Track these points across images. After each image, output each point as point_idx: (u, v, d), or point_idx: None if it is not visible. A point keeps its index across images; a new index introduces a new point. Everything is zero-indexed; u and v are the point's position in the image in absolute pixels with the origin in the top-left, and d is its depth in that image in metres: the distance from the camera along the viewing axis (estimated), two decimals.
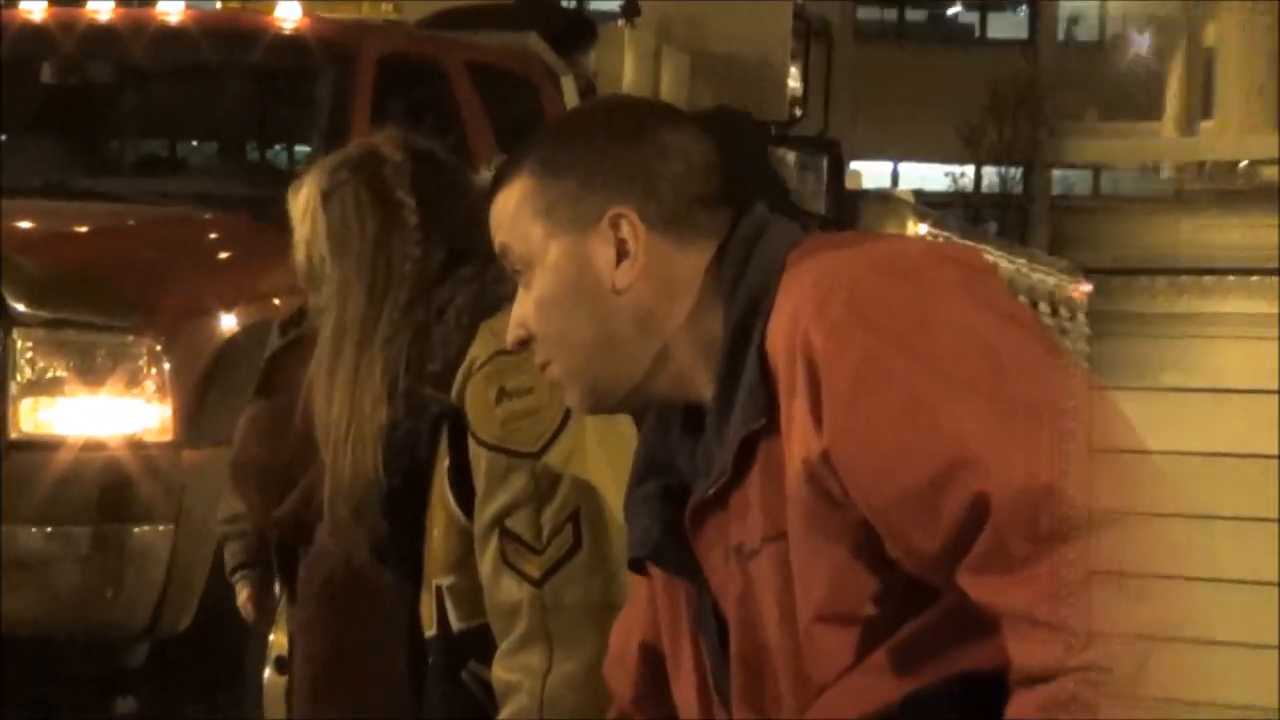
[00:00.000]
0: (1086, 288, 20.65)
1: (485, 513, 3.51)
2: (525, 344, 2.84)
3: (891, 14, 62.18)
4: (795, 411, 2.57)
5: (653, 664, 2.97)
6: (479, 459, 3.53)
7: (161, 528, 7.43)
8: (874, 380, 2.53)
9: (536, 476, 3.45)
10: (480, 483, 3.53)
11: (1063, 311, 19.89)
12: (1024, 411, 2.50)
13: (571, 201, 2.77)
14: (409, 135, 4.01)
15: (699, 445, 2.75)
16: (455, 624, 3.65)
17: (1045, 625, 2.44)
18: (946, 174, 60.33)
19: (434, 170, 3.91)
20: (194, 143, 10.37)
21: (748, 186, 2.86)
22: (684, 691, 2.86)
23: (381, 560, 3.83)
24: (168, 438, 7.45)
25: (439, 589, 3.67)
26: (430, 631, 3.71)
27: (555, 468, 3.41)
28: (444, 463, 3.66)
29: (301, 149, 9.49)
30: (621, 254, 2.74)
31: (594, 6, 14.09)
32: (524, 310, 2.81)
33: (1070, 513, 2.43)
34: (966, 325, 2.57)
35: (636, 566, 2.93)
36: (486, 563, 3.52)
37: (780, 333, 2.60)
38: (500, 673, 3.50)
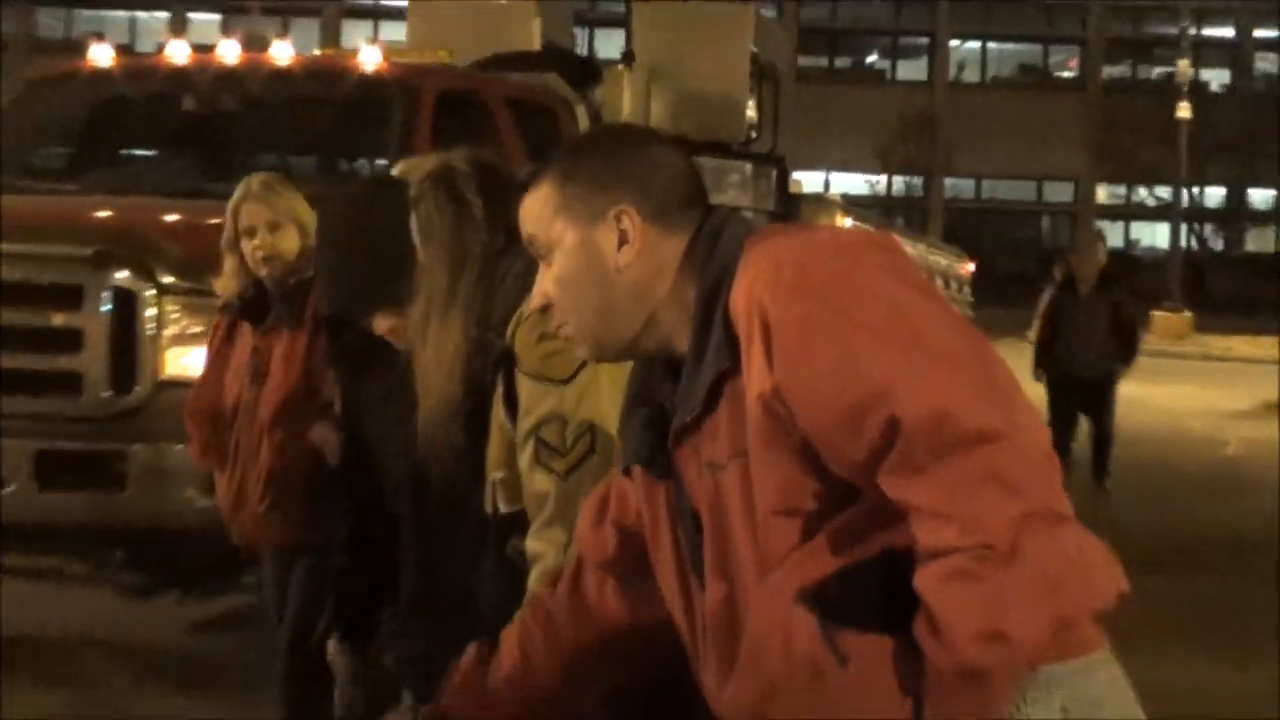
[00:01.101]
0: (970, 267, 21.15)
1: (524, 425, 3.59)
2: (545, 309, 2.92)
3: (824, 61, 62.54)
4: (753, 358, 2.63)
5: (627, 540, 3.01)
6: (522, 385, 3.61)
7: None
8: (813, 333, 2.58)
9: (563, 399, 3.52)
10: (522, 403, 3.61)
11: (953, 285, 20.15)
12: (926, 355, 2.54)
13: (584, 201, 2.84)
14: (474, 151, 4.14)
15: (677, 386, 2.79)
16: (503, 508, 3.76)
17: (942, 515, 2.48)
18: (866, 181, 61.18)
19: (493, 175, 4.03)
20: (298, 156, 10.30)
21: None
22: (664, 569, 2.91)
23: (459, 464, 3.87)
24: None
25: (494, 483, 3.78)
26: (489, 512, 3.81)
27: (576, 393, 3.49)
28: (499, 389, 3.72)
29: (380, 161, 9.48)
30: (622, 241, 2.82)
31: (601, 54, 14.11)
32: (545, 284, 2.89)
33: (961, 431, 2.47)
34: (883, 292, 2.61)
35: (627, 472, 2.97)
36: (524, 461, 3.60)
37: (741, 298, 2.65)
38: (532, 544, 3.58)
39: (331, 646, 5.05)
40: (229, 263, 6.03)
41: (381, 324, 4.20)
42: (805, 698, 2.65)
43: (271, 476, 5.87)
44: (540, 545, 3.53)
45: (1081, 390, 14.26)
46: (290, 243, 5.90)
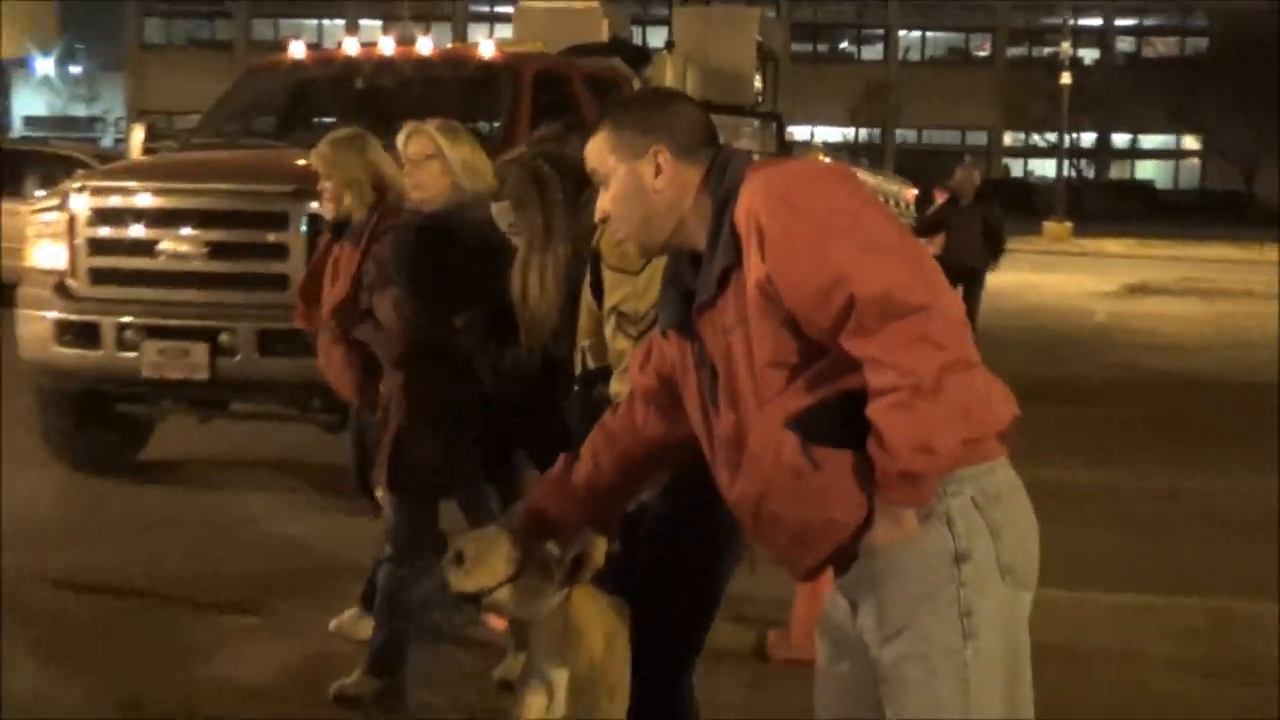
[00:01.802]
0: (913, 192, 21.06)
1: (609, 303, 3.60)
2: (604, 221, 2.91)
3: (809, 47, 62.54)
4: (751, 254, 2.62)
5: (664, 381, 2.99)
6: (606, 276, 3.61)
7: None
8: (794, 236, 2.57)
9: (636, 285, 3.51)
10: (607, 288, 3.61)
11: (900, 204, 20.08)
12: (874, 251, 2.53)
13: (630, 144, 2.82)
14: (542, 140, 4.14)
15: (699, 273, 2.78)
16: (591, 365, 3.75)
17: (887, 364, 2.48)
18: (839, 133, 60.96)
19: (558, 155, 4.05)
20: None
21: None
22: (691, 403, 2.90)
23: (556, 339, 3.90)
24: None
25: (583, 349, 3.77)
26: (578, 370, 3.81)
27: (645, 281, 3.45)
28: (587, 280, 3.71)
29: (495, 122, 9.43)
30: (658, 172, 2.81)
31: (651, 44, 14.06)
32: (604, 203, 2.89)
33: (900, 304, 2.48)
34: (844, 206, 2.60)
35: (664, 333, 2.96)
36: (608, 330, 3.61)
37: (742, 211, 2.64)
38: (615, 387, 3.58)
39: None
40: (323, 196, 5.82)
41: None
42: (789, 494, 2.65)
43: (328, 352, 5.76)
44: (621, 387, 3.47)
45: (961, 277, 14.01)
46: (339, 192, 5.61)
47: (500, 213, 4.11)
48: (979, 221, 14.43)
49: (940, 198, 16.32)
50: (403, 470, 5.05)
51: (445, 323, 4.79)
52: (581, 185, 3.78)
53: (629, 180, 2.82)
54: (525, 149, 4.18)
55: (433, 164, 5.28)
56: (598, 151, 2.87)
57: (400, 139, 5.47)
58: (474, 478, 5.29)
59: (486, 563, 3.12)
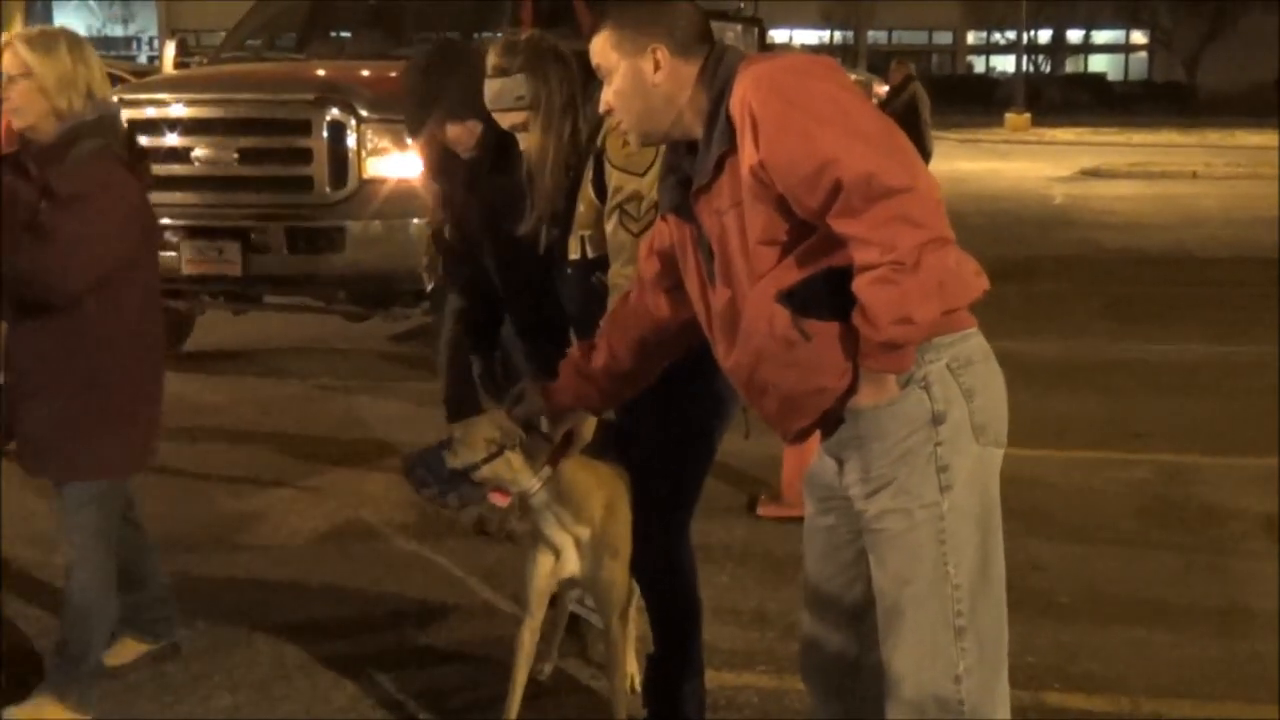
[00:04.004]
0: (885, 87, 20.87)
1: (613, 200, 3.48)
2: (609, 113, 2.84)
3: None
4: (744, 141, 2.58)
5: (667, 263, 2.96)
6: (611, 174, 3.48)
7: (416, 220, 7.42)
8: (784, 124, 2.53)
9: (641, 184, 3.41)
10: (611, 185, 3.48)
11: (873, 98, 19.81)
12: (858, 137, 2.50)
13: (631, 41, 2.77)
14: (549, 35, 3.95)
15: (695, 160, 2.73)
16: (590, 254, 3.62)
17: (870, 241, 2.45)
18: (816, 36, 60.20)
19: (557, 47, 3.84)
20: (445, 31, 10.08)
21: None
22: (690, 281, 2.87)
23: (554, 223, 3.75)
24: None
25: (582, 237, 3.63)
26: (574, 257, 3.65)
27: (650, 181, 3.34)
28: (588, 175, 3.58)
29: (499, 32, 9.31)
30: (657, 67, 2.75)
31: None
32: (608, 96, 2.83)
33: (882, 186, 2.45)
34: (829, 95, 2.56)
35: (664, 218, 2.93)
36: (610, 225, 3.49)
37: (736, 102, 2.60)
38: (614, 278, 3.49)
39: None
40: None
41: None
42: (781, 362, 2.64)
43: None
44: (619, 279, 3.44)
45: None
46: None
47: (504, 89, 3.79)
48: (900, 112, 14.40)
49: (884, 90, 16.36)
50: None
51: None
52: (586, 76, 3.69)
53: (630, 75, 2.75)
54: (533, 32, 3.99)
55: (22, 83, 3.77)
56: (601, 49, 2.80)
57: None
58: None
59: (467, 443, 3.31)
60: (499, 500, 3.44)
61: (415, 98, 4.40)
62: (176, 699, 4.17)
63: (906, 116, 14.32)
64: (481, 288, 4.43)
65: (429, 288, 6.26)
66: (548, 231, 3.80)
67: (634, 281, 3.17)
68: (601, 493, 3.43)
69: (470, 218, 4.40)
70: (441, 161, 4.55)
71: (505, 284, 4.22)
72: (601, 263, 3.59)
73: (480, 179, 4.25)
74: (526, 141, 3.77)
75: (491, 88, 3.81)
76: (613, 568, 3.46)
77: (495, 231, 4.12)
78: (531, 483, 3.37)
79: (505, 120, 3.83)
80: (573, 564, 3.50)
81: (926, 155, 14.42)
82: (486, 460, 3.29)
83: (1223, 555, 5.38)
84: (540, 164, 3.73)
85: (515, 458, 3.31)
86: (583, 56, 3.69)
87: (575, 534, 3.45)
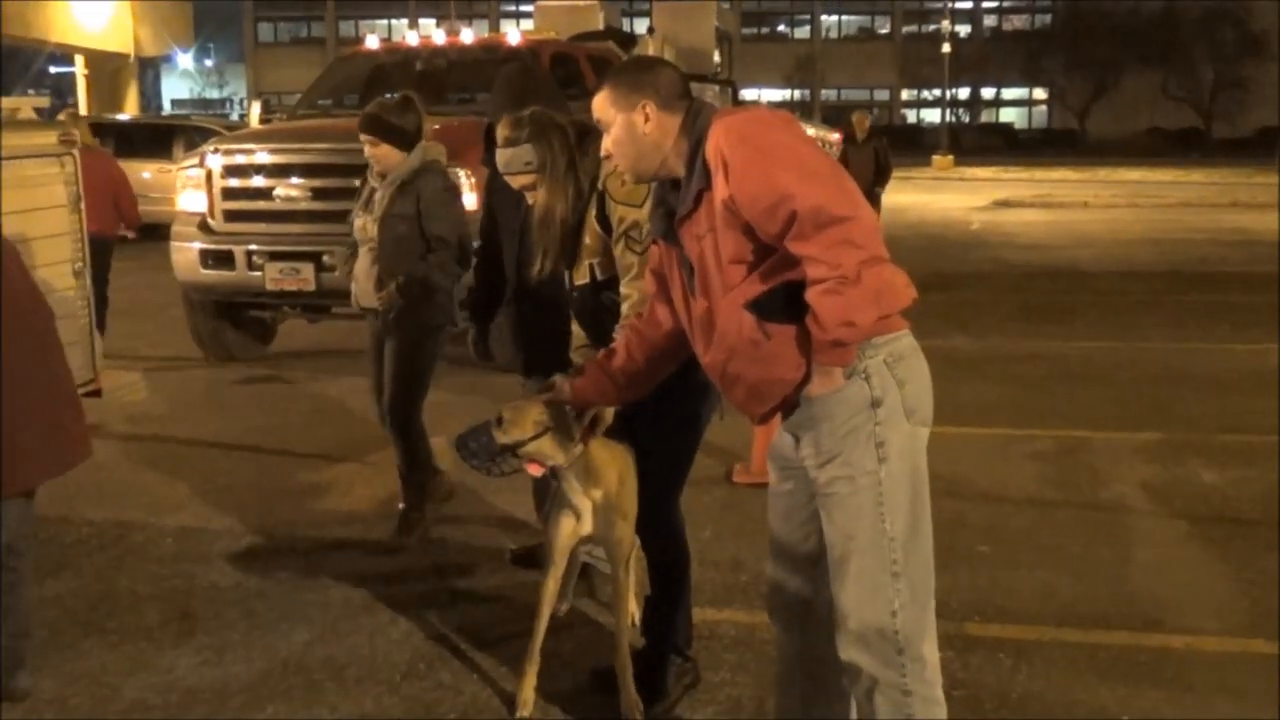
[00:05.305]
0: (836, 137, 20.06)
1: (619, 230, 3.42)
2: (608, 157, 2.82)
3: (755, 30, 62.05)
4: (718, 179, 2.56)
5: (661, 280, 2.92)
6: (615, 208, 3.43)
7: None
8: (749, 166, 2.51)
9: (640, 214, 3.35)
10: (615, 217, 3.43)
11: (828, 146, 19.47)
12: (810, 176, 2.48)
13: (625, 98, 2.74)
14: (549, 108, 3.79)
15: (678, 194, 2.71)
16: (599, 276, 3.54)
17: (820, 260, 2.44)
18: (780, 94, 59.97)
19: (555, 118, 3.69)
20: (475, 93, 10.05)
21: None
22: (676, 292, 2.84)
23: (563, 252, 3.64)
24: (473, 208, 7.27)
25: (590, 264, 3.54)
26: (583, 281, 3.57)
27: (646, 211, 3.22)
28: (591, 212, 3.51)
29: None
30: (646, 120, 2.72)
31: (636, 29, 13.94)
32: (607, 143, 2.80)
33: (830, 216, 2.43)
34: (787, 143, 2.54)
35: (655, 242, 2.91)
36: (619, 248, 3.43)
37: (711, 147, 2.58)
38: (625, 290, 3.43)
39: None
40: None
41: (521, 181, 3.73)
42: (748, 358, 2.62)
43: None
44: (630, 290, 3.39)
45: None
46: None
47: (514, 156, 3.66)
48: (870, 155, 14.28)
49: (837, 138, 16.23)
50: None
51: None
52: (581, 134, 3.63)
53: (625, 126, 2.73)
54: (535, 109, 3.79)
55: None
56: (601, 105, 2.77)
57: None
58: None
59: (518, 424, 3.25)
60: (534, 471, 3.41)
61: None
62: (264, 633, 4.16)
63: (876, 161, 14.22)
64: (493, 274, 4.52)
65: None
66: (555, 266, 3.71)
67: (634, 296, 3.16)
68: (615, 466, 3.42)
69: (506, 216, 4.36)
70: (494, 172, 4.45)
71: (519, 281, 4.22)
72: (609, 284, 3.53)
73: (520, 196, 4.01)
74: (534, 199, 3.65)
75: (503, 156, 3.69)
76: (622, 527, 3.46)
77: (519, 238, 4.12)
78: (566, 458, 3.34)
79: (516, 182, 3.71)
80: (589, 524, 3.49)
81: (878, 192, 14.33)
82: (534, 438, 3.26)
83: (1110, 512, 5.37)
84: (549, 217, 3.58)
85: (559, 436, 3.28)
86: (577, 124, 3.64)
87: (593, 499, 3.44)
